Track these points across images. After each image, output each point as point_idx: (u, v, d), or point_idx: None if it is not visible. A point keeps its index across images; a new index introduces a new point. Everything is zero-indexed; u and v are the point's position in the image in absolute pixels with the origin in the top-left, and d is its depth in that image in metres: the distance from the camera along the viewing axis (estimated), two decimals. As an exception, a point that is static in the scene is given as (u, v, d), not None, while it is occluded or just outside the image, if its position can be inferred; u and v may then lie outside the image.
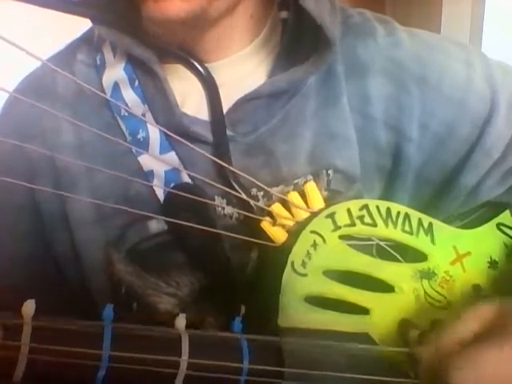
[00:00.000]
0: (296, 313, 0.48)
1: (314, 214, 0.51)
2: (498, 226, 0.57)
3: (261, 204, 0.52)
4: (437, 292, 0.52)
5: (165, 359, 0.41)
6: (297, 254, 0.49)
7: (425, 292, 0.51)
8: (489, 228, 0.56)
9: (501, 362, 0.41)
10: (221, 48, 0.54)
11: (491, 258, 0.55)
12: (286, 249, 0.49)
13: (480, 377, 0.41)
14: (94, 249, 0.55)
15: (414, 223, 0.52)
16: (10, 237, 0.58)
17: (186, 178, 0.53)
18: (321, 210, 0.51)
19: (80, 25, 0.58)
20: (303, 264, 0.49)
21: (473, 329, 0.44)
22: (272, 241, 0.51)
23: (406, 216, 0.52)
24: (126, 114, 0.54)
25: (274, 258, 0.50)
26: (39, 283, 0.57)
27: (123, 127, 0.55)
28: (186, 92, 0.55)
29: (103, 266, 0.55)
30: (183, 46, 0.53)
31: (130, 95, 0.55)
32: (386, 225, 0.51)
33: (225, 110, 0.54)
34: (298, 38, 0.55)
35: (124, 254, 0.54)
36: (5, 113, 0.60)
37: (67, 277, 0.58)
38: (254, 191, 0.53)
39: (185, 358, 0.41)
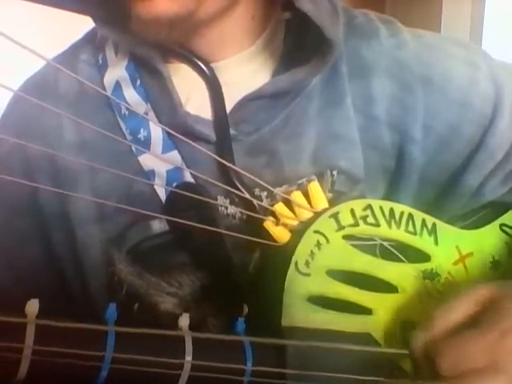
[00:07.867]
0: (299, 313, 0.48)
1: (317, 214, 0.50)
2: (501, 226, 0.57)
3: (264, 204, 0.52)
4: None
5: (168, 360, 0.40)
6: (300, 254, 0.49)
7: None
8: (492, 229, 0.56)
9: (485, 348, 0.40)
10: (223, 48, 0.54)
11: (494, 259, 0.55)
12: (289, 248, 0.49)
13: (466, 365, 0.41)
14: (95, 248, 0.55)
15: (418, 223, 0.52)
16: (9, 237, 0.58)
17: (188, 178, 0.53)
18: (324, 210, 0.51)
19: (81, 25, 0.58)
20: (306, 264, 0.48)
21: (468, 312, 0.43)
22: (275, 240, 0.51)
23: (410, 216, 0.52)
24: (127, 113, 0.54)
25: (277, 258, 0.50)
26: (39, 283, 0.57)
27: (123, 127, 0.55)
28: (189, 91, 0.55)
29: (104, 265, 0.54)
30: (184, 45, 0.53)
31: (131, 94, 0.55)
32: (389, 225, 0.51)
33: (228, 110, 0.54)
34: (300, 39, 0.55)
35: (125, 253, 0.54)
36: (7, 113, 0.59)
37: (67, 277, 0.57)
38: (257, 191, 0.53)
39: (188, 359, 0.41)
